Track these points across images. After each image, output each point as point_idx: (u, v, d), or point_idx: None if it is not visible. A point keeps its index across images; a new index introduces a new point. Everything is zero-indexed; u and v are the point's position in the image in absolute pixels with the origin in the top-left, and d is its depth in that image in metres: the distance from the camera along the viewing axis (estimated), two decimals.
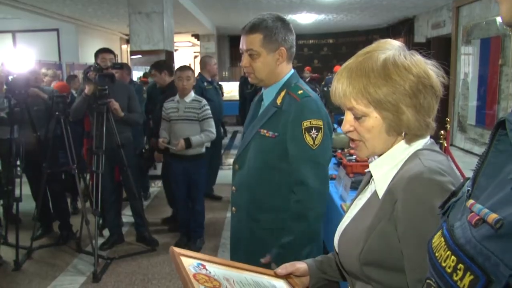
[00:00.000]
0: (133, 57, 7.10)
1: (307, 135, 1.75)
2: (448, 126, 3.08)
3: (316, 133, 1.75)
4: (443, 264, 0.59)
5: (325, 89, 7.06)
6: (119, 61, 10.65)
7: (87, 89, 4.00)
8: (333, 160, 3.62)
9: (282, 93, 1.84)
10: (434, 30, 9.24)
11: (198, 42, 13.60)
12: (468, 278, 0.54)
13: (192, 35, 13.47)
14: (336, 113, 6.01)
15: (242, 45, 1.86)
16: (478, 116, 6.68)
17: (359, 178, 2.61)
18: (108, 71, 4.00)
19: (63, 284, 3.69)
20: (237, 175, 1.98)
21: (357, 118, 1.05)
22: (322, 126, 1.77)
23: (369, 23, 12.25)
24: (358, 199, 1.22)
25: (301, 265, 1.30)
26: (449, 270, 0.57)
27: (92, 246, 3.91)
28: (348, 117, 1.08)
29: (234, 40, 15.28)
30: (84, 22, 10.71)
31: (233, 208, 2.01)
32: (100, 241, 4.31)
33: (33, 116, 4.08)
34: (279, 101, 1.84)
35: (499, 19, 5.97)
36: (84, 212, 4.02)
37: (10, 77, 4.00)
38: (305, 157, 1.76)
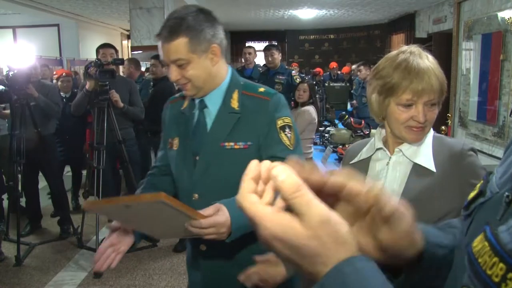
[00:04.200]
0: (134, 52, 7.10)
1: (282, 135, 1.55)
2: (449, 121, 3.08)
3: (289, 131, 1.57)
4: (489, 272, 0.52)
5: (326, 84, 7.06)
6: (120, 57, 10.64)
7: (88, 85, 4.01)
8: (334, 156, 3.62)
9: (235, 95, 1.58)
10: (435, 25, 9.21)
11: None
12: None
13: None
14: (337, 108, 6.02)
15: (164, 57, 1.51)
16: (479, 111, 6.67)
17: None
18: (108, 66, 3.99)
19: (65, 279, 3.70)
20: (196, 206, 1.40)
21: (431, 106, 1.33)
22: (291, 123, 1.59)
23: (370, 18, 12.22)
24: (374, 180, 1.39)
25: None
26: (496, 279, 0.51)
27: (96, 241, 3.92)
28: (421, 109, 1.31)
29: (234, 36, 15.26)
30: (85, 18, 10.69)
31: (202, 246, 1.62)
32: (101, 236, 4.32)
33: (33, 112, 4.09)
34: (235, 105, 1.56)
35: (500, 14, 5.95)
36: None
37: (11, 73, 4.00)
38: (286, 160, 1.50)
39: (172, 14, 1.51)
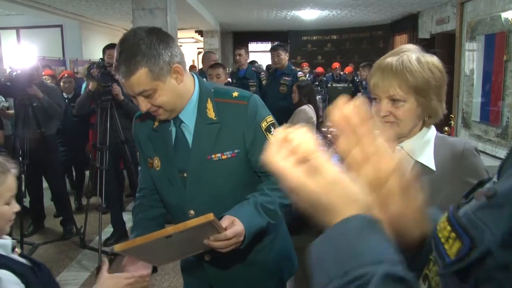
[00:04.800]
0: None
1: (269, 135, 1.53)
2: (452, 122, 3.07)
3: (274, 130, 1.55)
4: (439, 235, 0.60)
5: (329, 85, 7.05)
6: None
7: (91, 85, 4.05)
8: (337, 156, 3.62)
9: (209, 105, 1.54)
10: (438, 26, 9.20)
11: (202, 38, 13.59)
12: (456, 245, 0.56)
13: (196, 31, 13.45)
14: None
15: (128, 91, 1.44)
16: (483, 112, 6.65)
17: None
18: (111, 68, 4.01)
19: (67, 279, 3.71)
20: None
21: (396, 102, 1.34)
22: (273, 120, 1.58)
23: (373, 19, 12.21)
24: None
25: None
26: (443, 240, 0.59)
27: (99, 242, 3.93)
28: (385, 104, 1.35)
29: (237, 36, 15.29)
30: (88, 18, 10.71)
31: (207, 257, 1.65)
32: (104, 236, 4.33)
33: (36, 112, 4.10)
34: (211, 115, 1.53)
35: (504, 15, 5.94)
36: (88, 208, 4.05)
37: (13, 74, 4.02)
38: None
39: (123, 44, 1.41)
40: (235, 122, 1.52)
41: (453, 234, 0.57)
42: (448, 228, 0.58)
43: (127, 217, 4.79)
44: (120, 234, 4.42)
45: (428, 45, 1.42)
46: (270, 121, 1.56)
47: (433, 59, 1.34)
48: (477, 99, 6.79)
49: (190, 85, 1.54)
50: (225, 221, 1.36)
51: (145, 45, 1.38)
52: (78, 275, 3.77)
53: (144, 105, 1.44)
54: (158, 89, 1.41)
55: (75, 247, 4.34)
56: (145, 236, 1.18)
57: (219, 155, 1.52)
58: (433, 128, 1.43)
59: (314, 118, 4.41)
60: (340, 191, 0.59)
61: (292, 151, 0.61)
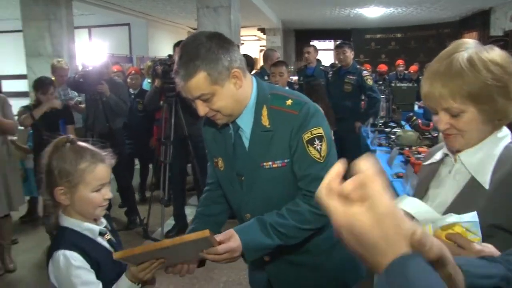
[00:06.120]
0: None
1: (311, 148, 1.49)
2: None
3: (319, 143, 1.49)
4: None
5: (393, 84, 6.87)
6: None
7: (156, 81, 4.19)
8: (400, 158, 3.52)
9: (264, 112, 1.53)
10: None
11: (264, 36, 13.66)
12: None
13: (258, 29, 13.55)
14: (404, 109, 5.83)
15: (187, 94, 1.47)
16: None
17: None
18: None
19: None
20: None
21: (454, 115, 1.14)
22: (323, 134, 1.51)
23: (439, 16, 11.76)
24: (435, 187, 1.31)
25: None
26: None
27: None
28: (443, 116, 1.17)
29: (299, 34, 15.24)
30: (154, 17, 11.06)
31: (266, 257, 1.66)
32: (166, 228, 4.47)
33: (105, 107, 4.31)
34: (265, 122, 1.52)
35: None
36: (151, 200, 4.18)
37: (87, 69, 4.25)
38: (315, 174, 1.47)
39: (183, 48, 1.44)
40: (285, 131, 1.50)
41: None
42: None
43: (189, 211, 4.91)
44: (181, 226, 4.54)
45: (502, 44, 1.29)
46: (317, 133, 1.50)
47: (490, 55, 1.12)
48: None
49: (248, 90, 1.53)
50: (221, 236, 1.43)
51: (204, 49, 1.39)
52: None
53: (202, 109, 1.46)
54: (216, 94, 1.43)
55: (138, 237, 4.50)
56: (144, 247, 1.27)
57: (270, 163, 1.53)
58: (507, 137, 1.19)
59: None
60: (394, 223, 0.54)
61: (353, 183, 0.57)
